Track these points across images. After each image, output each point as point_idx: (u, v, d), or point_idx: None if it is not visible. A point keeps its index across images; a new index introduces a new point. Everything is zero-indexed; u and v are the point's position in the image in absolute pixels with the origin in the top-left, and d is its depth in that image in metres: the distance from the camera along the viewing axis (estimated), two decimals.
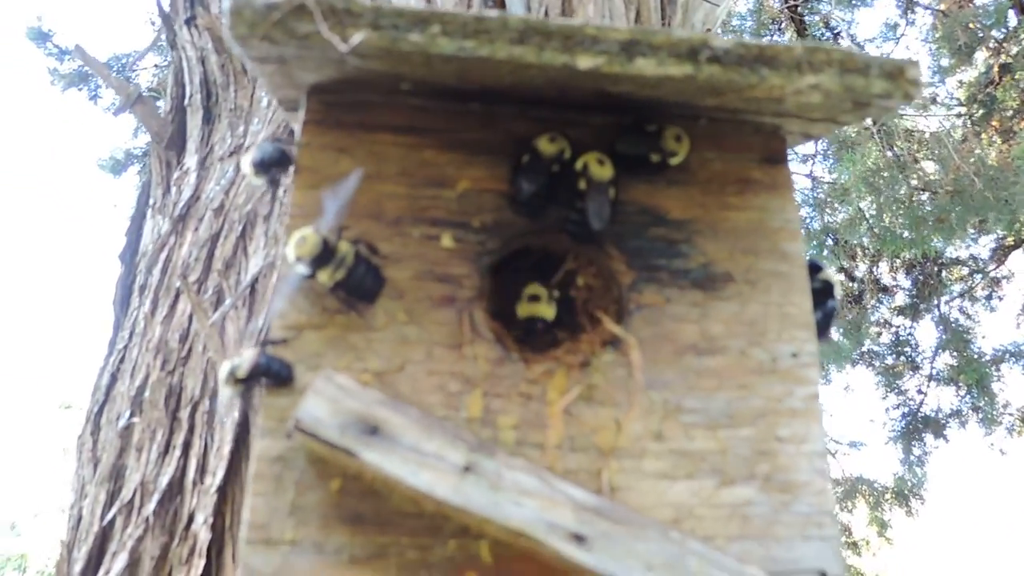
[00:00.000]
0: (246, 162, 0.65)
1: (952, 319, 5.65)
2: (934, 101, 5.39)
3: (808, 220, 5.53)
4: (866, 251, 5.88)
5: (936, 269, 5.80)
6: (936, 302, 5.72)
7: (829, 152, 5.45)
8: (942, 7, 5.12)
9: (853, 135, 5.05)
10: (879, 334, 5.97)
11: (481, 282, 0.61)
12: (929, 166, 4.97)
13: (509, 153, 0.64)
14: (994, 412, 5.26)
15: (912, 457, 5.54)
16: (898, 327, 5.95)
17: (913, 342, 5.83)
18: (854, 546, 5.88)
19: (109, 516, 1.26)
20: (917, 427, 5.54)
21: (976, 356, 5.34)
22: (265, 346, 0.56)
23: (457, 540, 0.54)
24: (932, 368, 5.61)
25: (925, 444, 5.53)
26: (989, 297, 5.79)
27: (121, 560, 1.20)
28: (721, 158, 0.67)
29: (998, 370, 5.32)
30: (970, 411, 5.42)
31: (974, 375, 5.13)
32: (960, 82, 5.46)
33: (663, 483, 0.57)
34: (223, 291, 1.33)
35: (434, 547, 0.54)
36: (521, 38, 0.52)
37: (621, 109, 0.65)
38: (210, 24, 1.74)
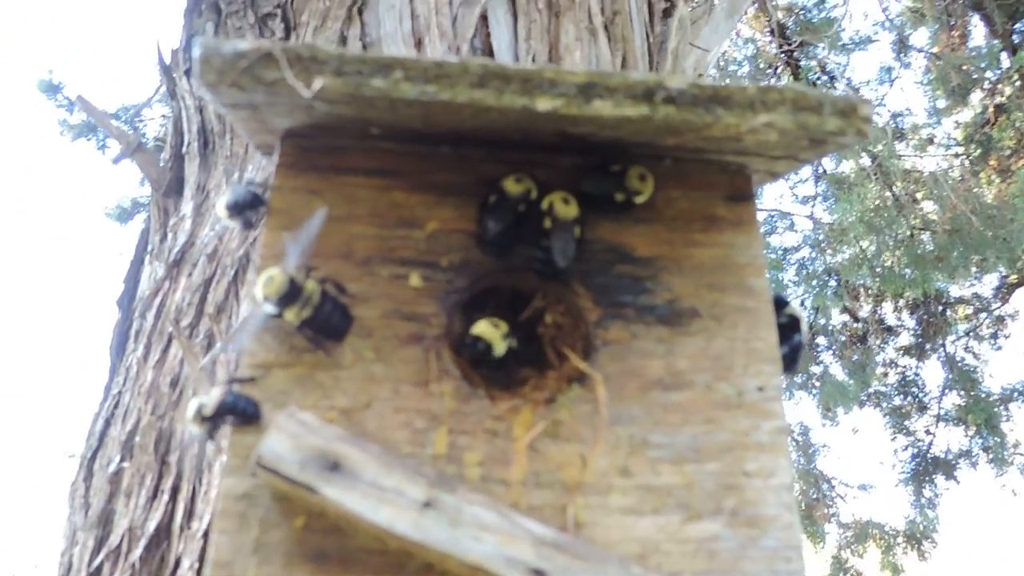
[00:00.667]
0: (220, 205, 0.67)
1: (958, 358, 5.62)
2: (931, 141, 5.45)
3: (810, 261, 5.54)
4: (869, 291, 5.88)
5: (940, 308, 5.78)
6: (942, 342, 5.70)
7: (829, 193, 5.49)
8: (935, 50, 5.21)
9: (852, 175, 5.09)
10: (885, 374, 5.93)
11: (449, 320, 0.62)
12: (928, 205, 5.00)
13: (477, 194, 0.65)
14: (1004, 452, 5.19)
15: (923, 499, 5.45)
16: (904, 367, 5.92)
17: (920, 382, 5.79)
18: None
19: (96, 562, 1.25)
20: (927, 468, 5.48)
21: (984, 395, 5.30)
22: (232, 384, 0.57)
23: None
24: (940, 408, 5.56)
25: (936, 486, 5.45)
26: (995, 336, 5.76)
27: None
28: (687, 196, 0.68)
29: (1007, 409, 5.27)
30: (980, 451, 5.35)
31: (982, 415, 5.09)
32: (957, 122, 5.52)
33: (629, 518, 0.57)
34: (214, 335, 1.34)
35: None
36: (481, 82, 0.54)
37: (587, 150, 0.67)
38: None
